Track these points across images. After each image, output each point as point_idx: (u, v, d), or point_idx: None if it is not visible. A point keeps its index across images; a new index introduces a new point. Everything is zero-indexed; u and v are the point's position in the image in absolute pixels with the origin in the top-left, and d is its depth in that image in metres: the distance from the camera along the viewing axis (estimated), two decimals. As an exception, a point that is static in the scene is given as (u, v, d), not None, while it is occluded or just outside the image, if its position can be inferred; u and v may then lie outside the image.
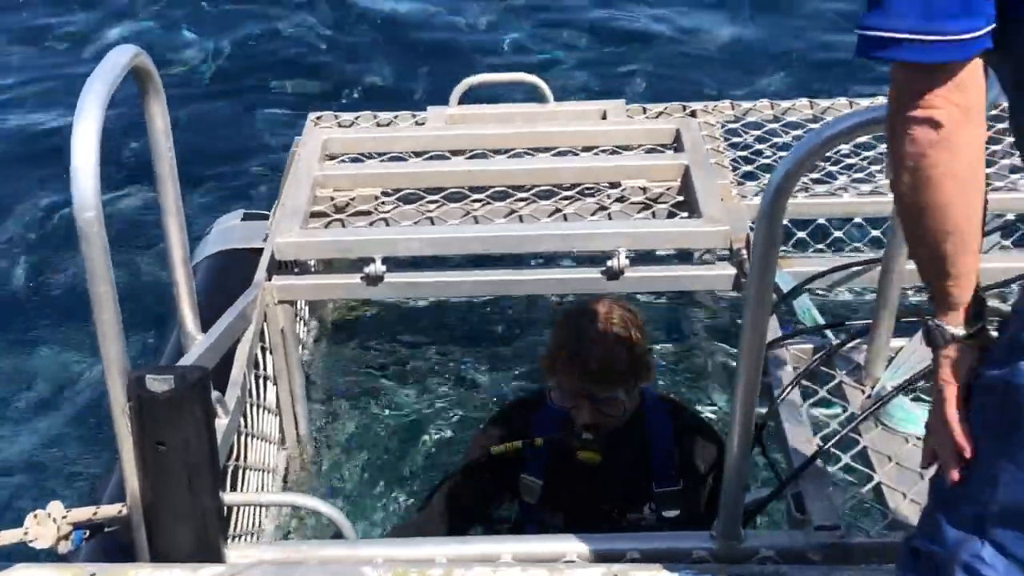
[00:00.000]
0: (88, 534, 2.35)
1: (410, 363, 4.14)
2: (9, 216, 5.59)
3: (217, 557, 2.35)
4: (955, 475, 1.67)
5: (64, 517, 2.29)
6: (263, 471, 3.20)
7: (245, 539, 2.90)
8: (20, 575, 2.26)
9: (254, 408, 3.13)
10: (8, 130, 6.60)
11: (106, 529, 2.40)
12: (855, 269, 3.27)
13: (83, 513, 2.34)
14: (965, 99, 1.47)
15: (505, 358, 4.08)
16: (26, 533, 2.25)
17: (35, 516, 2.27)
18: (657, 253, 3.61)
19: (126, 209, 5.48)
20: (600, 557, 2.40)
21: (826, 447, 2.55)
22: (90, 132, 2.07)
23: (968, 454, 1.65)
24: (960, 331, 1.66)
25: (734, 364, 4.04)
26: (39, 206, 5.64)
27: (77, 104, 2.09)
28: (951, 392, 1.68)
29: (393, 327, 4.30)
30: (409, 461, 3.71)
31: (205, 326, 2.83)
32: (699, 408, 3.85)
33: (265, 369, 3.32)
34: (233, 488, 2.82)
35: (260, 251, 3.93)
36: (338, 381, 4.02)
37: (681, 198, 3.51)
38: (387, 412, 3.90)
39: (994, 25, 1.46)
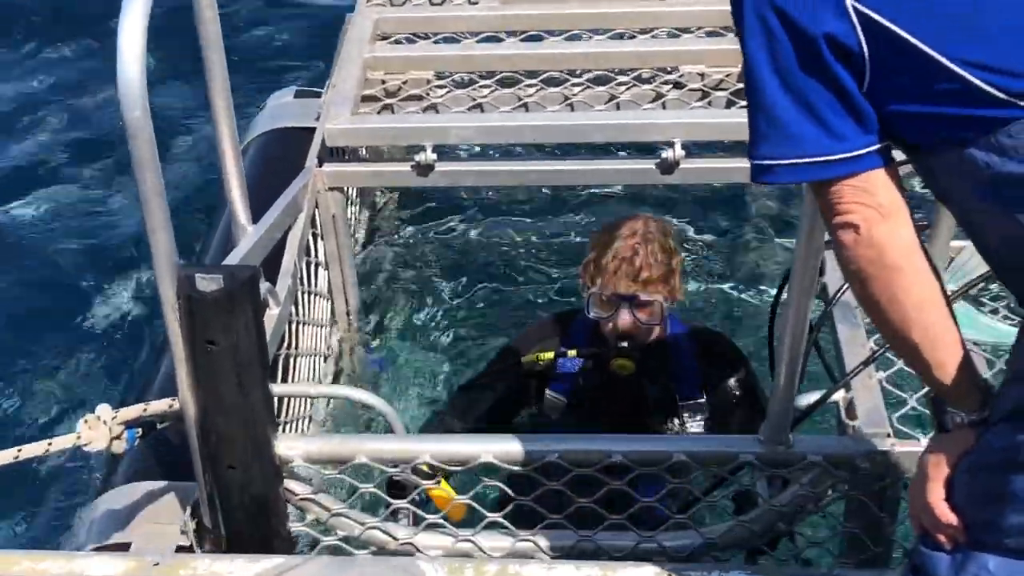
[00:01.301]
0: (141, 433, 2.38)
1: (459, 253, 4.12)
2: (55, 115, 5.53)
3: (267, 451, 2.38)
4: (949, 545, 1.68)
5: (114, 418, 2.32)
6: (315, 356, 3.23)
7: (296, 425, 2.95)
8: (81, 563, 2.28)
9: (306, 295, 3.15)
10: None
11: (158, 426, 2.44)
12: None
13: (133, 411, 2.36)
14: (875, 200, 1.55)
15: (556, 250, 4.05)
16: (79, 437, 2.28)
17: (86, 421, 2.30)
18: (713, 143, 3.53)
19: (172, 98, 5.42)
20: (647, 459, 2.40)
21: (880, 352, 2.50)
22: (136, 24, 2.02)
23: (961, 538, 1.65)
24: (974, 417, 1.67)
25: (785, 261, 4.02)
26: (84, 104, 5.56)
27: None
28: (940, 474, 1.68)
29: (445, 213, 4.28)
30: (455, 347, 3.72)
31: (256, 208, 2.81)
32: (752, 303, 3.81)
33: (316, 256, 3.32)
34: (285, 377, 2.85)
35: (313, 130, 3.93)
36: (388, 267, 4.01)
37: (740, 85, 3.41)
38: (435, 300, 3.91)
39: (877, 146, 1.54)
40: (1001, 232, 1.54)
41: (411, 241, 4.17)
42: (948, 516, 1.66)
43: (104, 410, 2.32)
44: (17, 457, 2.28)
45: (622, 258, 2.68)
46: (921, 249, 1.61)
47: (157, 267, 2.19)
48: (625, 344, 2.72)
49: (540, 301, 3.89)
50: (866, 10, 1.46)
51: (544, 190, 4.30)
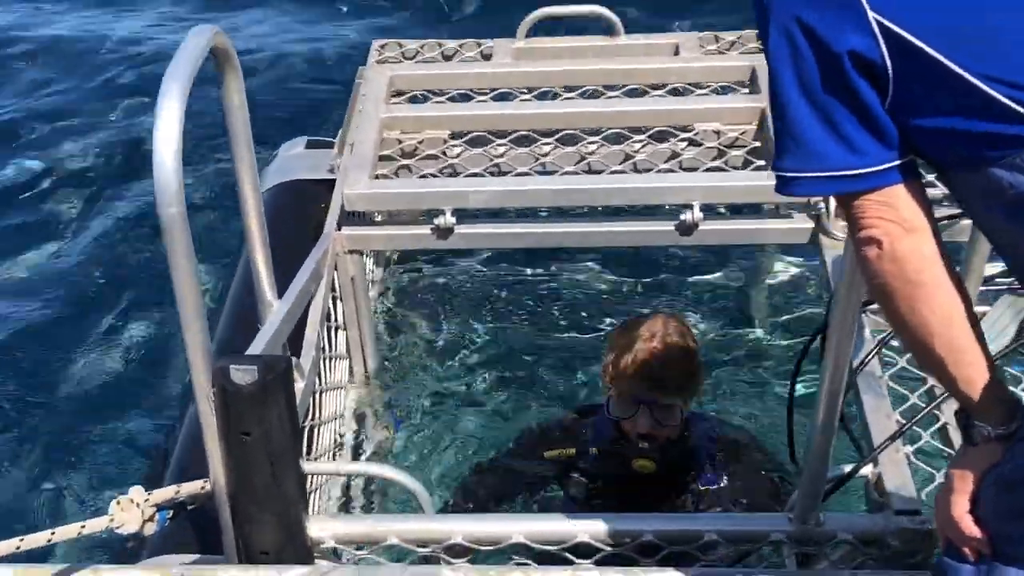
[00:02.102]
0: (172, 514, 2.39)
1: (476, 309, 4.13)
2: (94, 201, 5.53)
3: (299, 534, 2.39)
4: (973, 558, 1.69)
5: (146, 500, 2.32)
6: (335, 420, 3.23)
7: (317, 495, 2.95)
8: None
9: (326, 361, 3.15)
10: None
11: (188, 507, 2.44)
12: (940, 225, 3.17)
13: (165, 494, 2.37)
14: (899, 215, 1.57)
15: (573, 309, 4.06)
16: (111, 520, 2.27)
17: (118, 503, 2.29)
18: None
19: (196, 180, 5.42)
20: (678, 538, 2.41)
21: (908, 425, 2.51)
22: (172, 125, 2.02)
23: (985, 550, 1.67)
24: (1001, 430, 1.67)
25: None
26: (122, 191, 5.57)
27: (159, 94, 2.05)
28: (966, 487, 1.69)
29: (460, 276, 4.28)
30: (475, 404, 3.73)
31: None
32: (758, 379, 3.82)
33: (335, 319, 3.33)
34: (309, 447, 2.85)
35: (325, 182, 3.93)
36: (404, 327, 4.02)
37: (757, 144, 3.44)
38: (453, 356, 3.91)
39: (898, 162, 1.55)
40: None
41: (427, 297, 4.17)
42: (972, 529, 1.67)
43: (137, 492, 2.32)
44: (50, 540, 2.27)
45: (641, 362, 2.70)
46: (946, 263, 1.61)
47: (192, 358, 2.18)
48: (646, 445, 2.75)
49: (560, 357, 3.89)
50: (890, 25, 1.47)
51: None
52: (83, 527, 2.30)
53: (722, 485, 2.82)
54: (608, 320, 4.05)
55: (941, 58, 1.45)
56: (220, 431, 2.22)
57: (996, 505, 1.65)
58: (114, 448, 3.91)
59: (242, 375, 2.17)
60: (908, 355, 2.80)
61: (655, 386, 2.71)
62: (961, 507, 1.69)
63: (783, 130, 1.58)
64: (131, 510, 2.28)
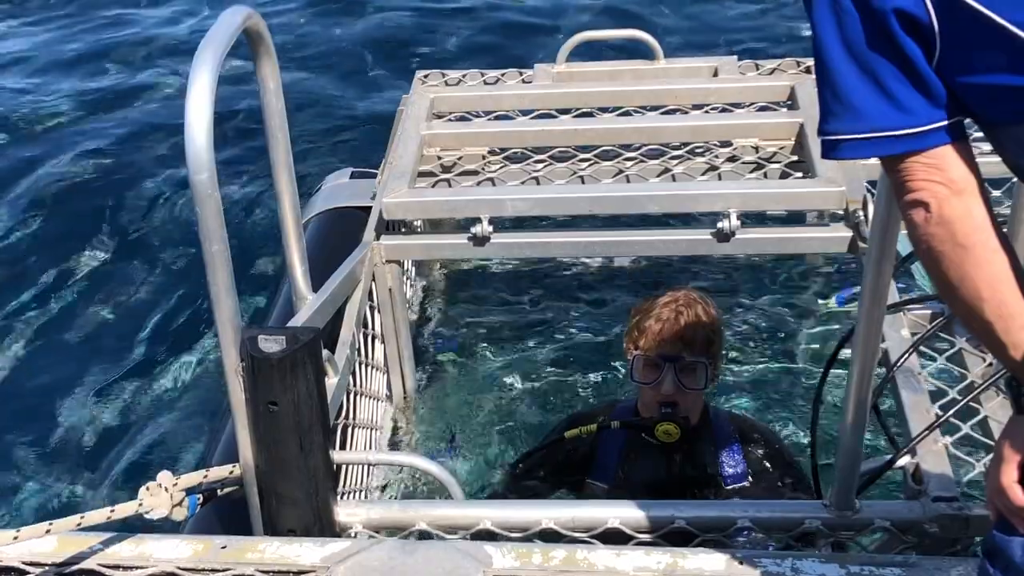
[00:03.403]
0: (202, 499, 2.38)
1: (514, 324, 4.11)
2: (124, 177, 5.68)
3: (327, 516, 2.38)
4: (1021, 528, 1.63)
5: (175, 484, 2.31)
6: (371, 429, 3.23)
7: (352, 496, 2.94)
8: (151, 545, 2.29)
9: (363, 367, 3.16)
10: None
11: (220, 492, 2.44)
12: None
13: (193, 478, 2.36)
14: (947, 176, 1.52)
15: (610, 320, 4.03)
16: (140, 504, 2.27)
17: (147, 488, 2.29)
18: (768, 214, 3.54)
19: (236, 170, 5.55)
20: (710, 525, 2.37)
21: (945, 416, 2.47)
22: (204, 94, 2.07)
23: None
24: None
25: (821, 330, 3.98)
26: (153, 169, 5.72)
27: (191, 66, 2.10)
28: (1016, 456, 1.63)
29: (499, 286, 4.29)
30: (511, 420, 3.69)
31: (315, 285, 2.85)
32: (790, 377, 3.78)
33: (373, 328, 3.34)
34: (343, 446, 2.85)
35: (368, 209, 3.98)
36: (444, 340, 4.02)
37: (795, 158, 3.43)
38: (491, 373, 3.89)
39: (947, 121, 1.51)
40: None
41: (465, 316, 4.17)
42: (1020, 498, 1.60)
43: (165, 477, 2.32)
44: (79, 524, 2.26)
45: (665, 319, 2.68)
46: (995, 226, 1.56)
47: (221, 329, 2.21)
48: (670, 410, 2.70)
49: (593, 372, 3.86)
50: None
51: (596, 260, 4.29)
52: (112, 512, 2.29)
53: (746, 484, 2.77)
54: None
55: (986, 11, 1.42)
56: (248, 402, 2.23)
57: None
58: (159, 439, 3.94)
59: (270, 344, 2.18)
60: (947, 353, 2.77)
61: (679, 342, 2.67)
62: (1010, 476, 1.62)
63: (828, 93, 1.54)
64: (160, 495, 2.28)
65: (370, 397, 3.25)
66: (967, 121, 1.56)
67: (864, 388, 2.18)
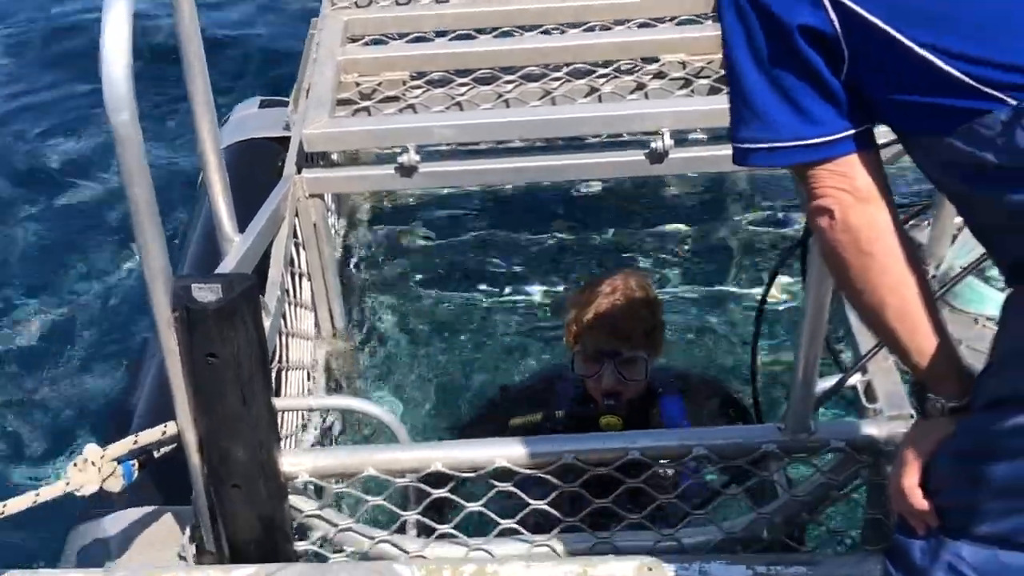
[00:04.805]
0: (137, 464, 2.27)
1: (442, 255, 4.03)
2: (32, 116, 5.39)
3: (271, 467, 2.28)
4: (921, 531, 1.67)
5: (102, 457, 2.20)
6: (303, 370, 3.12)
7: (288, 444, 2.84)
8: None
9: (291, 307, 3.04)
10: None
11: (156, 454, 2.32)
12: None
13: (122, 446, 2.24)
14: (852, 184, 1.55)
15: (540, 248, 3.98)
16: (67, 484, 2.17)
17: (75, 464, 2.19)
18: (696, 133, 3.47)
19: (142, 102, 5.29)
20: (666, 454, 2.34)
21: (895, 333, 2.44)
22: (121, 24, 1.92)
23: (934, 524, 1.64)
24: (955, 403, 1.64)
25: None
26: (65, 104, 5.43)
27: (104, -3, 1.94)
28: (917, 460, 1.67)
29: (423, 215, 4.18)
30: (444, 357, 3.63)
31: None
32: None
33: (299, 266, 3.22)
34: (277, 391, 2.74)
35: (280, 140, 3.84)
36: (371, 274, 3.91)
37: (723, 72, 3.34)
38: (421, 305, 3.82)
39: (853, 131, 1.53)
40: (988, 218, 1.54)
41: (389, 248, 4.07)
42: (921, 502, 1.65)
43: (92, 451, 2.19)
44: (2, 513, 2.16)
45: (604, 314, 2.67)
46: (900, 234, 1.59)
47: (150, 279, 2.08)
48: (612, 402, 2.71)
49: (523, 301, 3.81)
50: None
51: (520, 187, 4.21)
52: (37, 495, 2.19)
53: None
54: (576, 271, 3.97)
55: (891, 31, 1.44)
56: (184, 355, 2.11)
57: (947, 476, 1.63)
58: (74, 409, 3.77)
59: (205, 293, 2.06)
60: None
61: (618, 338, 2.68)
62: (911, 479, 1.67)
63: (739, 102, 1.57)
64: (88, 470, 2.18)
65: (301, 337, 3.14)
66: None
67: (820, 306, 2.14)
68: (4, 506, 2.14)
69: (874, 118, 1.55)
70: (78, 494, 2.19)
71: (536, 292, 3.97)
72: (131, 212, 2.03)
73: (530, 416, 2.85)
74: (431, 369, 3.67)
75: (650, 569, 2.17)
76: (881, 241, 1.57)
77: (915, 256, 1.61)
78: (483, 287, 3.96)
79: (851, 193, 1.55)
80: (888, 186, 1.58)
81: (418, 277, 3.99)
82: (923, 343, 1.62)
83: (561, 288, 3.92)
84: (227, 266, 2.50)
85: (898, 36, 1.43)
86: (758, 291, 3.87)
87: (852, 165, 1.55)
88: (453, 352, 3.71)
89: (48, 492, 2.18)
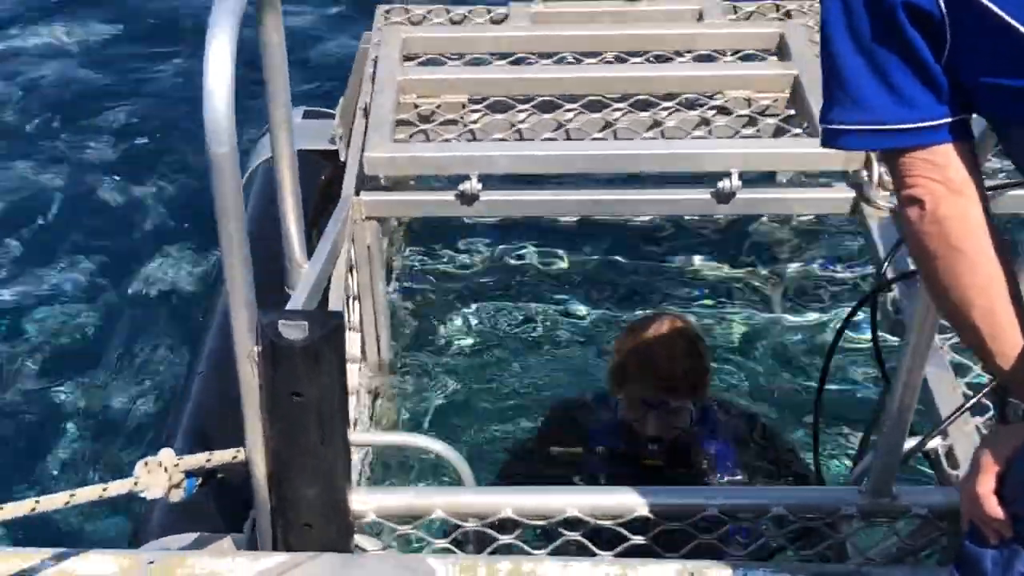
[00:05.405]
0: (200, 481, 2.23)
1: (483, 279, 3.97)
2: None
3: (341, 505, 2.23)
4: (994, 541, 1.61)
5: (176, 465, 2.16)
6: (353, 395, 3.06)
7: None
8: (74, 562, 2.16)
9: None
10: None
11: (218, 476, 2.28)
12: (1009, 193, 2.98)
13: (196, 460, 2.21)
14: (944, 175, 1.50)
15: (595, 281, 3.92)
16: (136, 483, 2.12)
17: (145, 464, 2.14)
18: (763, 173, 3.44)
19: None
20: (744, 510, 2.29)
21: (977, 397, 2.39)
22: (223, 59, 1.87)
23: (1008, 533, 1.59)
24: None
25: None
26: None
27: (208, 27, 1.89)
28: (994, 467, 1.61)
29: (478, 240, 4.13)
30: (492, 390, 3.58)
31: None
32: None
33: (351, 288, 3.17)
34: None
35: (326, 153, 3.78)
36: (420, 301, 3.86)
37: (791, 112, 3.31)
38: (470, 337, 3.76)
39: (950, 119, 1.49)
40: None
41: (440, 274, 4.01)
42: (996, 510, 1.58)
43: (167, 455, 2.16)
44: (69, 502, 2.11)
45: (649, 366, 2.62)
46: (992, 233, 1.53)
47: (235, 313, 2.03)
48: (655, 447, 2.67)
49: (580, 332, 3.75)
50: None
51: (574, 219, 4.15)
52: (105, 489, 2.13)
53: (743, 479, 2.73)
54: (624, 299, 3.92)
55: (997, 10, 1.38)
56: (266, 392, 2.05)
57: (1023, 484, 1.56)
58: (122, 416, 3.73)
59: (292, 331, 2.01)
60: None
61: (663, 390, 2.64)
62: (986, 486, 1.60)
63: (833, 81, 1.52)
64: (158, 473, 2.13)
65: (350, 361, 3.08)
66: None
67: (917, 367, 2.07)
68: (72, 496, 2.09)
69: (972, 108, 1.51)
70: (141, 495, 2.14)
71: (579, 317, 3.91)
72: (221, 244, 1.98)
73: (570, 449, 2.81)
74: (473, 395, 3.62)
75: (691, 573, 2.12)
76: (972, 237, 1.52)
77: (1006, 257, 1.55)
78: (525, 315, 3.90)
79: (944, 184, 1.50)
80: (982, 182, 1.54)
81: (460, 302, 3.94)
82: (1008, 347, 1.56)
83: (603, 312, 3.87)
84: (299, 297, 2.45)
85: (1003, 14, 1.38)
86: (798, 335, 3.84)
87: (947, 155, 1.50)
88: (496, 379, 3.65)
89: (115, 487, 2.13)
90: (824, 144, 1.56)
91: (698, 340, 2.76)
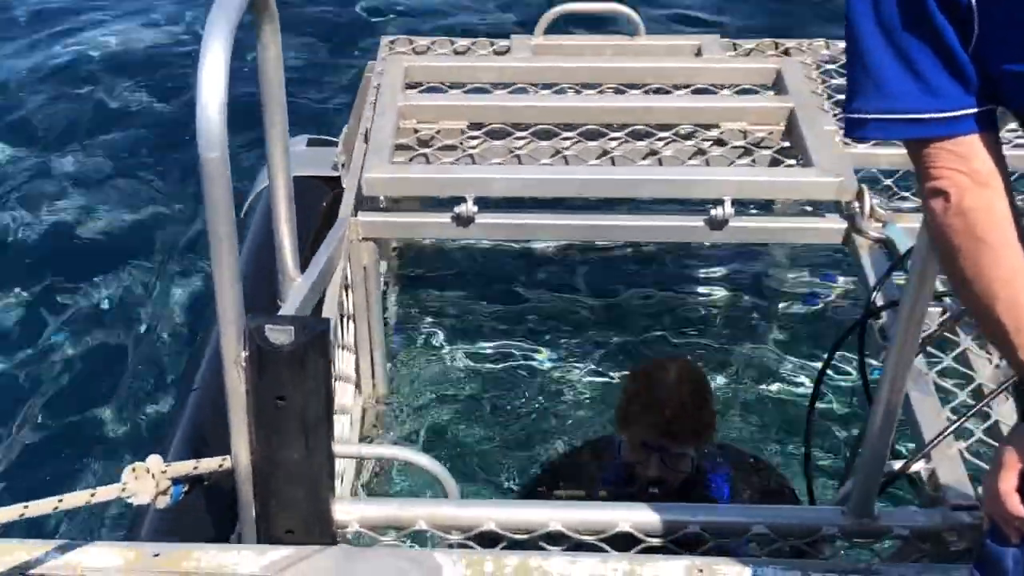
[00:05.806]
0: (187, 488, 2.24)
1: (490, 307, 4.00)
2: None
3: (325, 514, 2.24)
4: (1015, 539, 1.59)
5: (164, 472, 2.17)
6: (347, 414, 3.09)
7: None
8: (79, 554, 2.17)
9: (337, 349, 3.02)
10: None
11: (204, 483, 2.29)
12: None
13: (183, 467, 2.21)
14: (970, 166, 1.48)
15: (586, 305, 3.95)
16: (123, 489, 2.12)
17: (133, 470, 2.14)
18: (753, 202, 3.47)
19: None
20: (726, 529, 2.29)
21: (961, 421, 2.42)
22: (217, 66, 1.90)
23: None
24: None
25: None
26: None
27: (203, 35, 1.94)
28: (1017, 465, 1.57)
29: (473, 266, 4.16)
30: (485, 412, 3.60)
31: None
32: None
33: (345, 308, 3.19)
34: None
35: (327, 179, 3.82)
36: (415, 322, 3.89)
37: (786, 144, 3.35)
38: (465, 357, 3.78)
39: (976, 109, 1.47)
40: None
41: (432, 294, 4.04)
42: (1018, 507, 1.56)
43: (154, 461, 2.16)
44: (57, 507, 2.11)
45: (653, 411, 2.62)
46: (1017, 224, 1.51)
47: (222, 316, 2.05)
48: (656, 491, 2.66)
49: (566, 354, 3.77)
50: None
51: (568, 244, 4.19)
52: (93, 494, 2.14)
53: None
54: (617, 321, 3.94)
55: None
56: (252, 397, 2.08)
57: None
58: (118, 420, 3.75)
59: (279, 335, 2.04)
60: (954, 353, 2.72)
61: (666, 435, 2.63)
62: (1009, 483, 1.57)
63: (859, 71, 1.50)
64: (145, 479, 2.13)
65: (343, 380, 3.11)
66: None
67: (896, 390, 2.10)
68: (60, 501, 2.10)
69: (997, 99, 1.48)
70: (129, 500, 2.15)
71: (573, 340, 3.93)
72: (211, 248, 2.01)
73: (574, 491, 2.81)
74: (466, 416, 3.63)
75: (700, 570, 2.11)
76: (998, 230, 1.49)
77: None
78: (519, 338, 3.92)
79: (969, 176, 1.48)
80: (1008, 174, 1.52)
81: (454, 325, 3.96)
82: None
83: (594, 335, 3.88)
84: (290, 307, 2.47)
85: None
86: (791, 365, 3.85)
87: (972, 146, 1.48)
88: (490, 401, 3.67)
89: (103, 493, 2.13)
90: (848, 134, 1.55)
91: (704, 386, 2.75)
